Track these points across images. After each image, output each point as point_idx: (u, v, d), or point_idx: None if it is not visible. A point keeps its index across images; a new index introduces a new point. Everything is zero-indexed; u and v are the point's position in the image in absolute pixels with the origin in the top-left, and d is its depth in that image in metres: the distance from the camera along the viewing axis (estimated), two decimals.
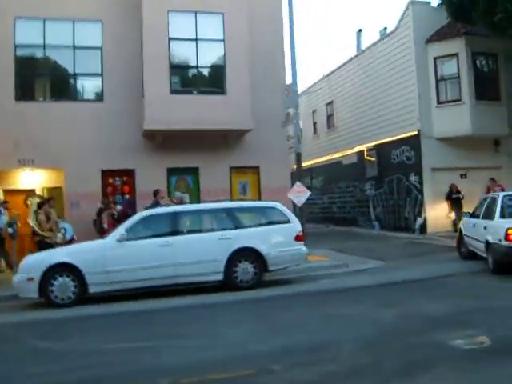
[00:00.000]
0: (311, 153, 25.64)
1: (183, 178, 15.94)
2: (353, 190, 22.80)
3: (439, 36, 18.03)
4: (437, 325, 6.02)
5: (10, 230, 12.50)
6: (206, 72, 15.45)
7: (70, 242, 12.00)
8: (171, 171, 15.66)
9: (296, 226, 10.17)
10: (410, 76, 18.39)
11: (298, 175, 13.48)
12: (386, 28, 20.30)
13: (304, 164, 27.46)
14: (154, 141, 15.28)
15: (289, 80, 16.14)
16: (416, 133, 18.23)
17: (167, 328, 6.88)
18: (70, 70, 15.18)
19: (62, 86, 15.43)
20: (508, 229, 9.10)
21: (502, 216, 9.86)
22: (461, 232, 12.36)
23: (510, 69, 18.92)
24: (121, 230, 9.46)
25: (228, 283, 9.58)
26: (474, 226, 11.14)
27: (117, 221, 12.30)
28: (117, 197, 15.09)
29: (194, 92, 15.09)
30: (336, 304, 7.73)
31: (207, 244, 9.54)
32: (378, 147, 20.51)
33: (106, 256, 9.14)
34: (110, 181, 15.31)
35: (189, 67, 15.22)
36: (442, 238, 16.96)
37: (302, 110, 27.71)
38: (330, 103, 24.67)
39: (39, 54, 14.97)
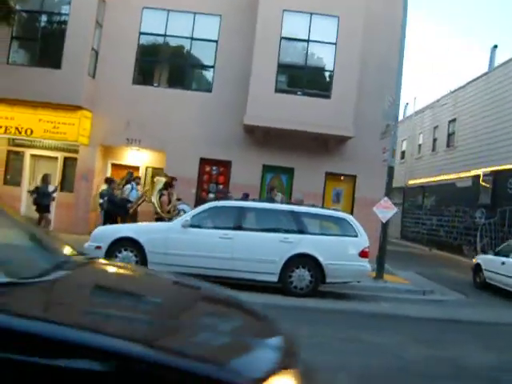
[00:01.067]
0: (427, 170, 24.32)
1: (278, 176, 16.01)
2: (463, 216, 21.25)
3: None
4: (462, 377, 5.41)
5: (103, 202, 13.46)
6: (313, 74, 15.31)
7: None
8: (266, 168, 15.80)
9: (363, 241, 9.71)
10: None
11: (387, 190, 12.84)
12: None
13: (418, 181, 26.40)
14: (254, 136, 15.52)
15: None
16: None
17: None
18: (186, 60, 15.97)
19: (176, 74, 16.25)
20: None
21: None
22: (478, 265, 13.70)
23: None
24: (187, 216, 9.76)
25: (282, 287, 9.47)
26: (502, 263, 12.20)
27: None
28: (211, 185, 15.64)
29: (299, 93, 15.02)
30: (373, 330, 7.25)
31: (267, 244, 9.47)
32: (495, 173, 18.88)
33: (169, 238, 9.46)
34: (207, 169, 15.85)
35: (297, 68, 15.19)
36: None
37: (425, 124, 26.54)
38: (453, 121, 23.15)
39: (160, 42, 15.94)
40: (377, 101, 15.60)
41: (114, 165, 16.28)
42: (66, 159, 16.09)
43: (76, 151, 15.59)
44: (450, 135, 23.28)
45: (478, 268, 13.72)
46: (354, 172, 15.72)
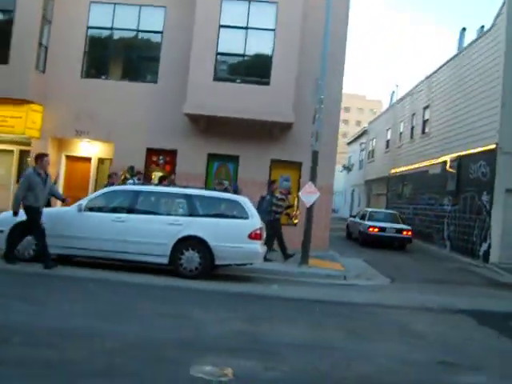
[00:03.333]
0: (406, 159, 23.96)
1: (225, 164, 16.09)
2: (433, 204, 20.84)
3: None
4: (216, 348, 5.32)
5: None
6: (252, 61, 15.34)
7: None
8: (212, 157, 15.91)
9: (253, 223, 9.70)
10: (497, 82, 16.17)
11: (312, 175, 12.75)
12: (483, 27, 18.00)
13: (399, 170, 25.99)
14: (198, 125, 15.64)
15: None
16: (493, 147, 16.04)
17: None
18: (133, 52, 16.24)
19: (123, 66, 16.54)
20: None
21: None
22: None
23: None
24: (83, 200, 9.99)
25: (173, 269, 9.58)
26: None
27: None
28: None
29: (238, 81, 15.07)
30: (211, 307, 7.15)
31: (157, 226, 9.59)
32: (459, 159, 18.46)
33: (66, 223, 9.71)
34: (154, 159, 16.07)
35: (236, 55, 15.24)
36: (504, 270, 14.80)
37: (405, 112, 26.12)
38: (427, 107, 22.68)
39: (107, 35, 16.22)
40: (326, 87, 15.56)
41: (68, 157, 16.68)
42: (21, 152, 16.59)
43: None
44: (425, 122, 22.83)
45: (347, 226, 22.76)
46: (300, 159, 15.62)
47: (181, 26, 15.57)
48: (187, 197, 9.96)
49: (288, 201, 13.68)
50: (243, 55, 15.11)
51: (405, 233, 18.95)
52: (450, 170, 18.97)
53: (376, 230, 18.67)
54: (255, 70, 15.27)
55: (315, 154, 12.77)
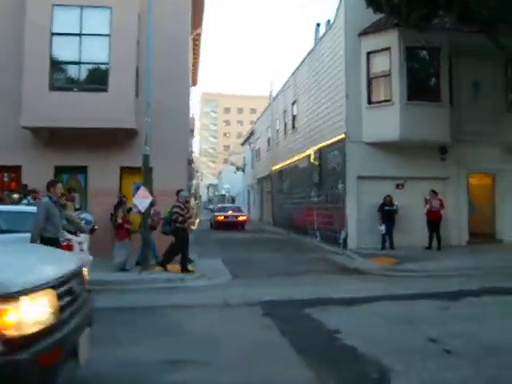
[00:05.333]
0: (283, 155, 24.33)
1: (74, 176, 15.55)
2: (304, 196, 21.28)
3: (374, 28, 16.20)
4: None
5: None
6: (89, 68, 14.88)
7: (92, 231, 12.37)
8: (60, 169, 15.30)
9: None
10: (341, 74, 16.70)
11: (144, 179, 12.56)
12: (329, 21, 18.59)
13: (278, 166, 26.43)
14: (41, 137, 14.99)
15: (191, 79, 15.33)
16: (343, 136, 16.54)
17: None
18: None
19: None
20: None
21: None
22: None
23: (459, 66, 16.75)
24: None
25: None
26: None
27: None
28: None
29: (75, 89, 14.59)
30: None
31: None
32: (320, 151, 18.94)
33: None
34: None
35: (71, 63, 14.72)
36: (357, 254, 15.24)
37: (279, 109, 26.57)
38: (294, 103, 23.19)
39: None
40: (170, 91, 15.44)
41: None
42: None
43: None
44: (294, 117, 23.32)
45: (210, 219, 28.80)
46: (150, 164, 15.33)
47: (14, 35, 14.86)
48: None
49: (187, 210, 13.46)
50: (79, 62, 14.61)
51: (240, 218, 28.94)
52: (314, 162, 19.41)
53: (222, 217, 28.81)
54: (92, 77, 14.81)
55: (146, 158, 12.59)
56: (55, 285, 3.40)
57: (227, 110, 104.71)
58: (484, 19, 11.59)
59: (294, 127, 23.33)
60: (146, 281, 11.34)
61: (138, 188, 15.60)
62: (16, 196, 13.35)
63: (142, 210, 12.18)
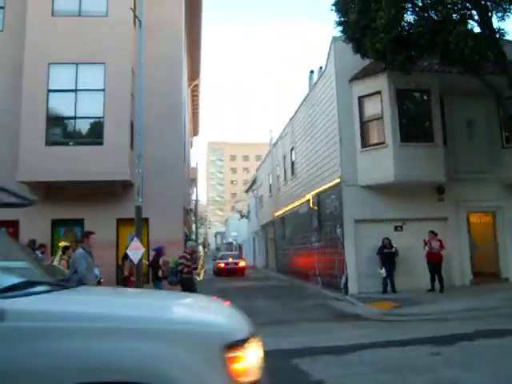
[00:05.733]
0: (283, 201, 24.33)
1: (70, 228, 15.63)
2: (305, 242, 21.12)
3: (364, 73, 16.46)
4: None
5: None
6: (84, 123, 15.22)
7: (99, 283, 12.24)
8: (56, 222, 15.42)
9: None
10: (334, 119, 16.87)
11: (137, 230, 12.57)
12: (321, 67, 18.94)
13: (279, 212, 26.39)
14: (39, 191, 15.13)
15: (192, 129, 15.60)
16: (338, 180, 16.54)
17: None
18: None
19: None
20: None
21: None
22: None
23: (451, 105, 16.87)
24: None
25: None
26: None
27: (150, 266, 13.69)
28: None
29: (70, 143, 14.87)
30: None
31: None
32: (318, 196, 18.91)
33: None
34: None
35: (67, 118, 15.09)
36: (357, 299, 14.93)
37: (278, 156, 26.77)
38: (293, 149, 23.36)
39: None
40: (164, 141, 15.72)
41: None
42: None
43: None
44: (293, 163, 23.44)
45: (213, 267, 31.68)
46: (146, 215, 15.40)
47: (12, 93, 15.29)
48: None
49: (193, 260, 13.50)
50: (74, 117, 14.95)
51: (240, 264, 31.36)
52: (313, 207, 19.36)
53: (223, 265, 31.23)
54: (88, 131, 15.16)
55: (138, 210, 12.64)
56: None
57: (233, 158, 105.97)
58: (466, 59, 11.76)
59: (293, 173, 23.41)
60: None
61: (133, 239, 15.88)
62: None
63: (135, 262, 12.13)
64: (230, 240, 59.04)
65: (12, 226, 15.32)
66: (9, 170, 14.99)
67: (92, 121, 15.19)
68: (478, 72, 13.64)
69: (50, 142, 14.66)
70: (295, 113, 22.85)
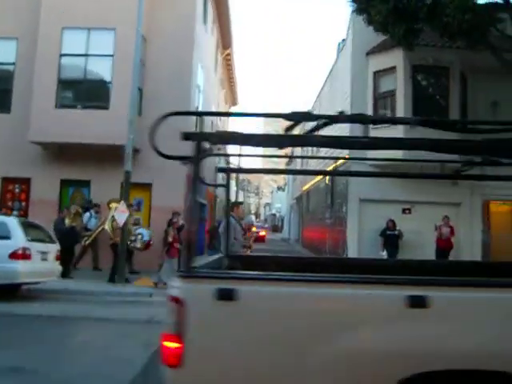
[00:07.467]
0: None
1: (79, 189, 16.20)
2: (321, 218, 20.81)
3: (381, 48, 15.76)
4: None
5: None
6: (92, 87, 15.59)
7: (148, 245, 13.36)
8: (65, 182, 16.03)
9: (15, 243, 9.77)
10: (347, 95, 16.34)
11: (125, 194, 12.86)
12: (344, 40, 18.25)
13: (306, 186, 26.09)
14: (50, 152, 15.80)
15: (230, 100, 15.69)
16: (347, 156, 16.05)
17: None
18: None
19: None
20: None
21: None
22: None
23: (475, 85, 15.86)
24: None
25: None
26: None
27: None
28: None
29: (79, 106, 15.30)
30: None
31: None
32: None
33: None
34: (10, 188, 16.19)
35: (77, 82, 15.48)
36: None
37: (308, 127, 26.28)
38: None
39: None
40: (172, 107, 15.81)
41: None
42: None
43: None
44: None
45: None
46: (149, 180, 15.77)
47: (30, 57, 15.86)
48: None
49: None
50: (84, 81, 15.35)
51: (261, 234, 35.58)
52: (328, 183, 19.03)
53: None
54: (95, 95, 15.53)
55: (127, 174, 12.92)
56: None
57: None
58: (465, 34, 10.98)
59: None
60: (114, 293, 11.58)
61: (138, 203, 16.27)
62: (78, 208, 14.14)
63: (120, 224, 12.45)
64: (274, 212, 59.05)
65: (24, 184, 16.14)
66: (24, 131, 15.76)
67: (100, 85, 15.54)
68: (495, 49, 12.72)
69: (59, 105, 15.17)
70: (322, 87, 22.34)
